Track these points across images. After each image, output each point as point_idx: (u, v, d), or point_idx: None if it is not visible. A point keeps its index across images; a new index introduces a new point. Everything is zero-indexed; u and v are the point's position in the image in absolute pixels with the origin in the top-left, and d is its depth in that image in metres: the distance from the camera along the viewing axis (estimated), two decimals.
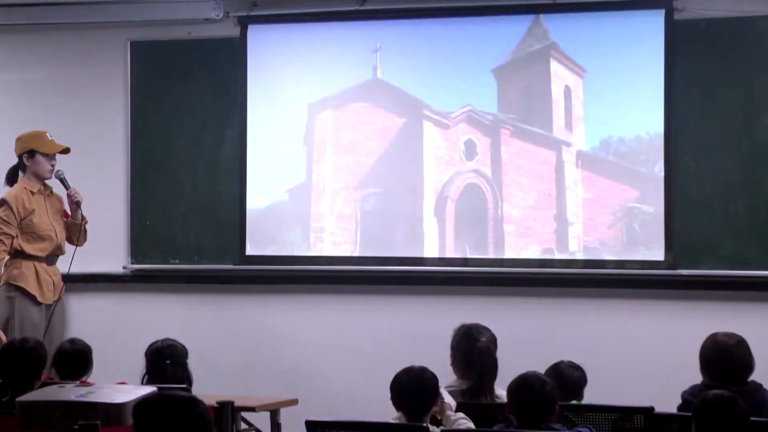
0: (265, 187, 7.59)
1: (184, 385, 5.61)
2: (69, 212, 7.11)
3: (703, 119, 6.88)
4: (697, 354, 6.62)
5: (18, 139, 7.08)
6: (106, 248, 7.79)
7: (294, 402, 6.58)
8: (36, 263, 6.96)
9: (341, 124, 7.50)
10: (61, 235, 7.07)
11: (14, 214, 6.92)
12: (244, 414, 6.17)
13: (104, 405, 4.25)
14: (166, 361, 5.74)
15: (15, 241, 6.90)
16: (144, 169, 7.79)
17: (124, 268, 7.79)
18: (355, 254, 7.44)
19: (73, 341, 6.06)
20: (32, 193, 6.99)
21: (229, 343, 7.57)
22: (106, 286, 7.90)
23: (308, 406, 6.88)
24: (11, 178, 7.09)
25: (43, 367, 5.22)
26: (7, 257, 6.92)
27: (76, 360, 5.74)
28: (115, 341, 7.45)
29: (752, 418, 4.38)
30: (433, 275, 7.32)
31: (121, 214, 7.82)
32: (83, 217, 7.09)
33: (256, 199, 7.59)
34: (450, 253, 7.28)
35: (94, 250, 7.83)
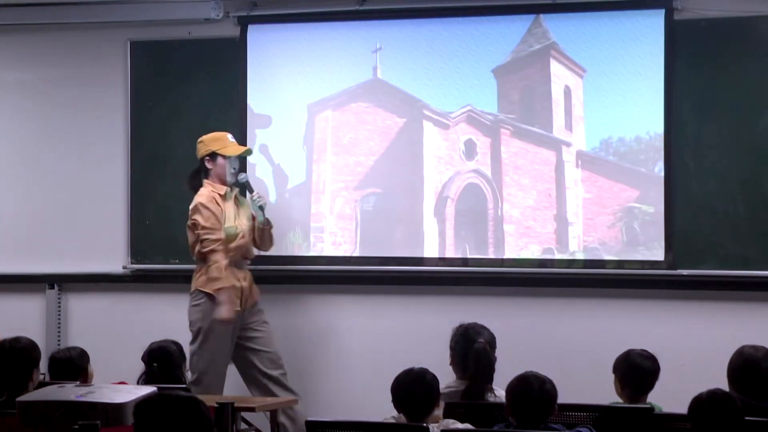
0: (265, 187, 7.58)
1: (184, 385, 5.62)
2: (255, 216, 7.01)
3: (703, 119, 6.88)
4: (698, 354, 6.69)
5: (200, 142, 6.99)
6: (106, 248, 7.80)
7: (294, 402, 6.58)
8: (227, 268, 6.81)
9: (341, 124, 7.50)
10: (249, 238, 6.94)
11: (213, 214, 6.78)
12: (244, 414, 6.17)
13: (104, 405, 4.25)
14: (153, 364, 5.74)
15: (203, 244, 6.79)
16: (144, 168, 7.79)
17: (124, 268, 7.79)
18: (355, 254, 7.43)
19: (70, 349, 6.03)
20: (220, 195, 6.88)
21: None
22: (106, 286, 7.89)
23: (308, 406, 6.90)
24: (194, 184, 6.97)
25: (36, 368, 5.14)
26: (225, 262, 6.75)
27: (70, 368, 5.71)
28: (115, 341, 7.46)
29: (747, 417, 4.38)
30: (433, 275, 7.32)
31: (121, 214, 7.81)
32: (268, 222, 7.00)
33: None
34: (450, 253, 7.28)
35: (94, 250, 7.86)
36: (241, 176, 6.99)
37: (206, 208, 6.82)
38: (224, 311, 6.72)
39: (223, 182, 6.93)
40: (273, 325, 7.12)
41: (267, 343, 6.94)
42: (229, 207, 6.89)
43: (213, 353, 6.76)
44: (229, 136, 7.04)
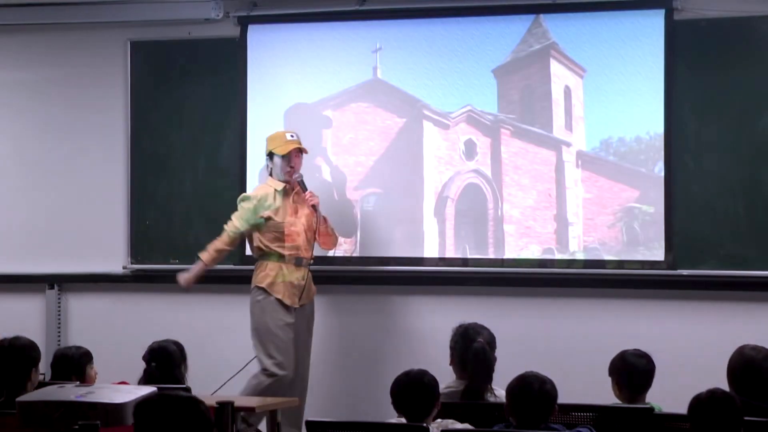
0: None
1: (185, 385, 5.62)
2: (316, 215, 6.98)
3: (703, 119, 6.88)
4: (698, 354, 6.69)
5: (266, 140, 7.03)
6: (106, 248, 7.80)
7: (294, 402, 6.58)
8: (283, 265, 6.84)
9: (341, 124, 7.50)
10: (305, 236, 6.90)
11: (251, 210, 6.84)
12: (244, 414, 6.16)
13: (104, 405, 4.25)
14: (153, 364, 5.74)
15: (260, 240, 6.84)
16: (144, 169, 7.79)
17: (124, 268, 7.79)
18: (355, 254, 7.44)
19: (73, 348, 6.02)
20: (276, 191, 6.90)
21: (229, 343, 7.56)
22: (106, 286, 7.90)
23: (308, 406, 6.89)
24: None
25: (35, 367, 5.13)
26: (221, 246, 6.86)
27: (70, 366, 5.71)
28: (115, 341, 7.46)
29: (746, 417, 4.38)
30: (433, 275, 7.32)
31: (121, 214, 7.81)
32: (324, 220, 6.96)
33: None
34: (450, 253, 7.28)
35: (94, 250, 7.86)
36: (296, 175, 6.96)
37: (249, 199, 6.89)
38: (182, 278, 6.94)
39: (284, 180, 6.94)
40: None
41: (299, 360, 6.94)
42: (284, 203, 6.89)
43: (281, 346, 6.77)
44: (288, 134, 6.99)
